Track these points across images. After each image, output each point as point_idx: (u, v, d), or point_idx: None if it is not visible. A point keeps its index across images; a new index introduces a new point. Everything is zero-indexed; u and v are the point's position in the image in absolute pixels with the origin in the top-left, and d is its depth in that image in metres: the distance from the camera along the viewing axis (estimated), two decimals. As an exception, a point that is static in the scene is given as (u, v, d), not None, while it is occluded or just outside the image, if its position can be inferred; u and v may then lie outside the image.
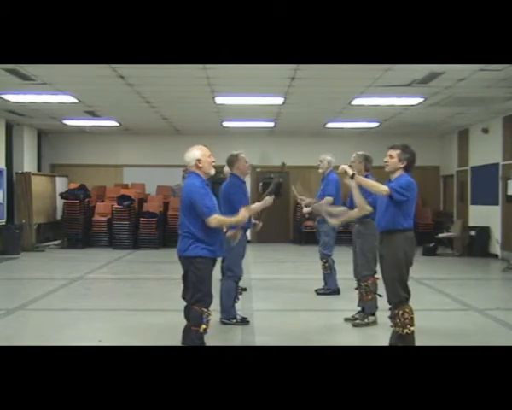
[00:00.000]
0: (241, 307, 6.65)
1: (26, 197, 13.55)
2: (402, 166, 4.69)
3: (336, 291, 7.92)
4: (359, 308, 6.32)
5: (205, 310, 4.55)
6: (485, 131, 12.74)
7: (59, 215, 14.77)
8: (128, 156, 15.81)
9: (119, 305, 7.53)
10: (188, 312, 4.64)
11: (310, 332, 6.03)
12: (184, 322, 4.67)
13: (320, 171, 7.89)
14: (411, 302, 4.72)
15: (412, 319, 4.67)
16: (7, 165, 13.44)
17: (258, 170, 15.69)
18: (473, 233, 12.82)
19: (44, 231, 14.53)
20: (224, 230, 4.95)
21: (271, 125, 13.54)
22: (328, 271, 7.89)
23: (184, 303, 4.68)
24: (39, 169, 15.05)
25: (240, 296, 6.49)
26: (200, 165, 4.61)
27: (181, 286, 4.72)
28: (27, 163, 14.13)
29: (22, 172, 13.66)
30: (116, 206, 14.15)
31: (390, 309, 4.78)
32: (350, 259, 6.37)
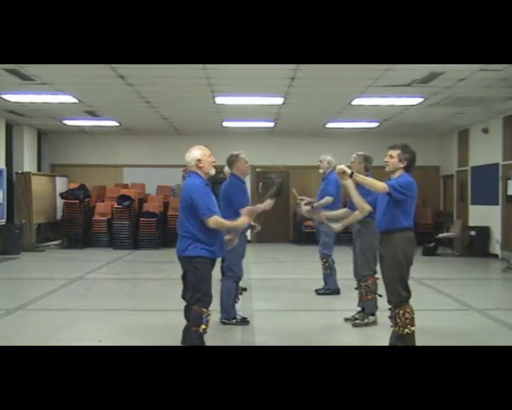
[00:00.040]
0: (241, 307, 6.65)
1: (26, 197, 13.56)
2: (402, 166, 4.69)
3: (336, 291, 7.93)
4: (359, 308, 6.31)
5: (204, 310, 4.55)
6: (485, 131, 12.74)
7: (59, 215, 14.77)
8: (128, 156, 15.82)
9: (119, 305, 7.54)
10: (187, 312, 4.64)
11: (310, 332, 6.03)
12: (184, 322, 4.67)
13: (320, 171, 7.89)
14: (411, 302, 4.72)
15: (413, 318, 4.66)
16: (7, 165, 13.44)
17: (258, 170, 15.70)
18: (473, 233, 12.82)
19: (44, 231, 14.53)
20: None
21: (271, 125, 13.54)
22: (328, 271, 7.89)
23: (184, 303, 4.69)
24: (39, 169, 15.05)
25: (240, 296, 6.49)
26: (201, 165, 4.62)
27: (181, 286, 4.72)
28: (27, 163, 14.13)
29: (22, 172, 13.66)
30: (116, 206, 14.15)
31: (390, 309, 4.78)
32: (350, 259, 6.37)
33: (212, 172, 4.71)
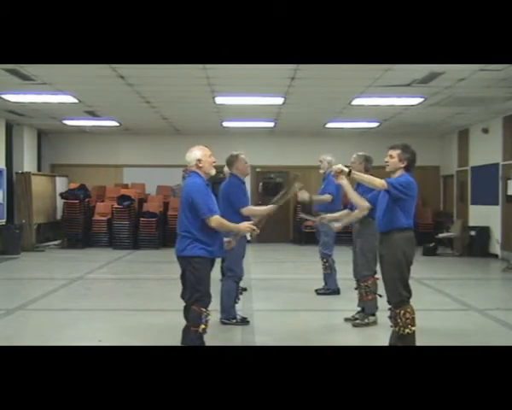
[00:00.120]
0: (241, 307, 6.65)
1: (26, 197, 13.55)
2: (402, 166, 4.69)
3: (336, 291, 7.93)
4: (359, 308, 6.31)
5: (204, 310, 4.55)
6: (485, 131, 12.74)
7: (59, 215, 14.77)
8: (128, 156, 15.81)
9: (119, 305, 7.54)
10: (187, 312, 4.64)
11: (310, 332, 6.03)
12: (184, 322, 4.67)
13: (321, 171, 7.89)
14: (412, 302, 4.71)
15: (413, 318, 4.66)
16: (7, 165, 13.44)
17: (258, 170, 15.70)
18: (473, 233, 12.82)
19: (44, 231, 14.53)
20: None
21: (271, 125, 13.54)
22: (329, 271, 7.89)
23: (184, 303, 4.69)
24: (39, 169, 15.05)
25: (240, 296, 6.49)
26: (201, 165, 4.62)
27: (181, 286, 4.72)
28: (27, 163, 14.13)
29: (22, 172, 13.66)
30: (116, 206, 14.15)
31: (390, 309, 4.77)
32: (350, 259, 6.37)
33: (213, 172, 4.71)
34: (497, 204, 12.35)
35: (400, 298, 4.65)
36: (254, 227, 4.81)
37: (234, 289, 6.25)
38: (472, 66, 7.61)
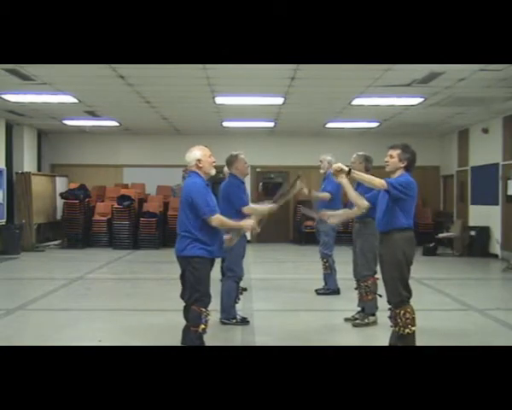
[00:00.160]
0: (241, 307, 6.65)
1: (26, 197, 13.56)
2: (402, 165, 4.69)
3: (336, 291, 7.93)
4: (359, 308, 6.31)
5: (203, 310, 4.56)
6: (485, 131, 12.74)
7: (59, 215, 14.77)
8: (128, 156, 15.82)
9: (119, 305, 7.54)
10: (187, 312, 4.64)
11: (310, 332, 6.03)
12: (184, 322, 4.67)
13: (321, 171, 7.89)
14: (412, 302, 4.71)
15: (414, 318, 4.66)
16: (7, 165, 13.44)
17: (258, 170, 15.70)
18: (473, 233, 12.82)
19: (44, 231, 14.53)
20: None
21: (271, 125, 13.54)
22: (329, 271, 7.89)
23: (184, 303, 4.69)
24: (39, 169, 15.05)
25: (240, 296, 6.49)
26: (201, 165, 4.62)
27: (181, 286, 4.72)
28: (27, 163, 14.13)
29: (22, 172, 13.66)
30: (116, 206, 14.15)
31: (390, 309, 4.77)
32: (350, 259, 6.37)
33: (213, 172, 4.71)
34: (497, 204, 12.35)
35: (400, 298, 4.64)
36: (255, 226, 4.81)
37: (234, 289, 6.24)
38: (472, 66, 7.61)
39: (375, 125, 13.34)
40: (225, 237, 4.91)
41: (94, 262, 11.54)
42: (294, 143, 15.47)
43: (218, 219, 4.52)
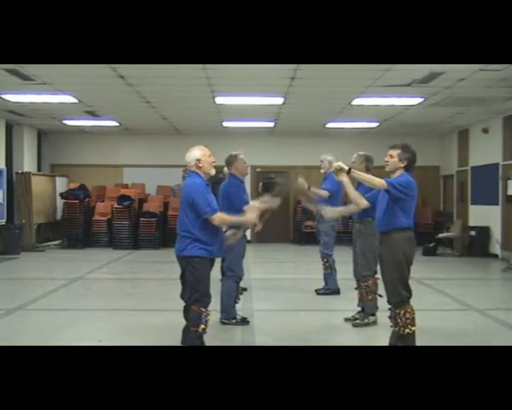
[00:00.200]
0: (241, 307, 6.65)
1: (26, 197, 13.56)
2: (402, 165, 4.69)
3: (336, 291, 7.93)
4: (359, 308, 6.32)
5: (203, 310, 4.56)
6: (485, 131, 12.74)
7: (59, 215, 14.77)
8: (128, 156, 15.82)
9: (119, 305, 7.54)
10: (187, 312, 4.64)
11: (310, 332, 6.03)
12: (184, 322, 4.67)
13: (322, 171, 7.89)
14: (412, 302, 4.71)
15: (414, 318, 4.66)
16: (7, 165, 13.44)
17: (258, 170, 15.70)
18: (473, 233, 12.82)
19: (44, 231, 14.53)
20: (224, 229, 4.95)
21: (271, 125, 13.54)
22: (329, 271, 7.89)
23: (184, 303, 4.69)
24: (39, 169, 15.06)
25: (240, 296, 6.48)
26: (201, 165, 4.62)
27: (181, 286, 4.72)
28: (27, 163, 14.14)
29: (22, 172, 13.66)
30: (116, 206, 14.15)
31: (390, 309, 4.77)
32: (350, 259, 6.37)
33: (212, 172, 4.71)
34: (497, 204, 12.35)
35: (400, 298, 4.64)
36: (257, 221, 4.82)
37: (234, 289, 6.24)
38: (472, 66, 7.61)
39: (375, 125, 13.34)
40: (229, 232, 4.91)
41: (94, 262, 11.54)
42: (294, 143, 15.47)
43: (219, 217, 4.53)
